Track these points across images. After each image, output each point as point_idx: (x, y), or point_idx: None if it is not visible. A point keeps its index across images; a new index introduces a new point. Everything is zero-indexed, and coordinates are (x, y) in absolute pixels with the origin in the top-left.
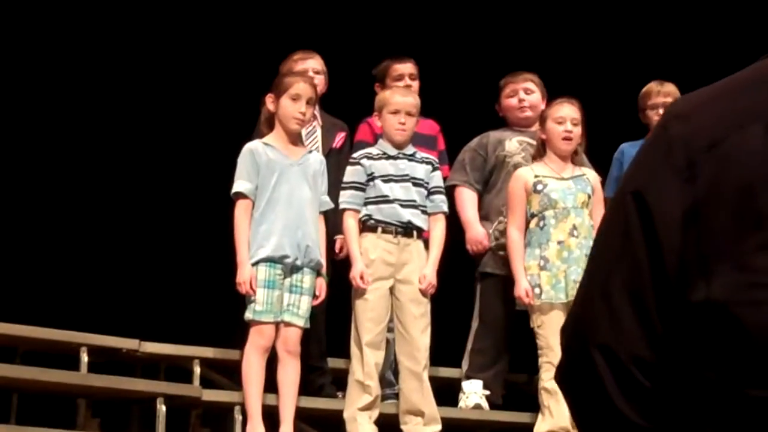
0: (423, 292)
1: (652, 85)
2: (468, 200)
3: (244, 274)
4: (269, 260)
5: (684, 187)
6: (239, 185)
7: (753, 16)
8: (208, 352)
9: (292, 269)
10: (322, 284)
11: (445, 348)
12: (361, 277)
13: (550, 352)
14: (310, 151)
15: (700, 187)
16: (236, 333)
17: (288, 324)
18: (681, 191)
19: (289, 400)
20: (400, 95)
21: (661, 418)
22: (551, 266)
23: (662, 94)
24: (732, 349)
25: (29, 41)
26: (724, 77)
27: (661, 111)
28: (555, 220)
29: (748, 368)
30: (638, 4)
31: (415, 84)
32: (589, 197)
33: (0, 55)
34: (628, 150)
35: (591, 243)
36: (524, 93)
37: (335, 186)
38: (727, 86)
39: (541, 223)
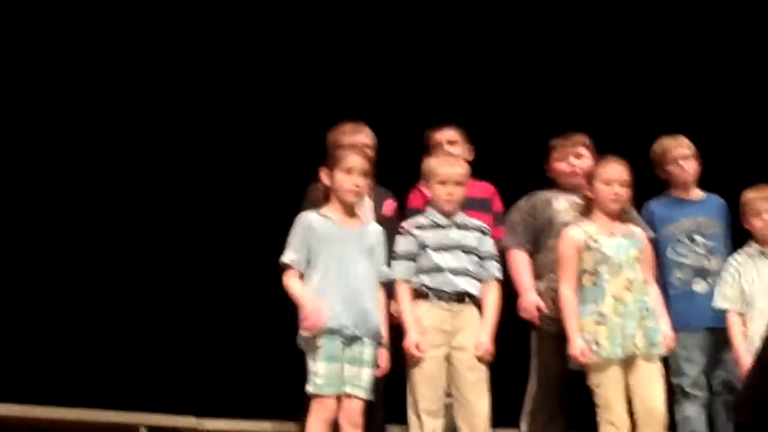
0: (479, 359)
1: (666, 141)
2: (521, 263)
3: (310, 307)
4: (329, 332)
5: None
6: (288, 255)
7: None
8: (268, 426)
9: (352, 340)
10: (384, 354)
11: (502, 410)
12: (417, 346)
13: (609, 410)
14: (369, 222)
15: None
16: (300, 406)
17: (350, 396)
18: None
19: None
20: (447, 165)
21: None
22: (608, 321)
23: (678, 147)
24: None
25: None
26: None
27: (680, 163)
28: (609, 275)
29: None
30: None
31: (457, 149)
32: (640, 252)
33: None
34: (656, 207)
35: (645, 297)
36: (575, 158)
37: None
38: None
39: (596, 279)
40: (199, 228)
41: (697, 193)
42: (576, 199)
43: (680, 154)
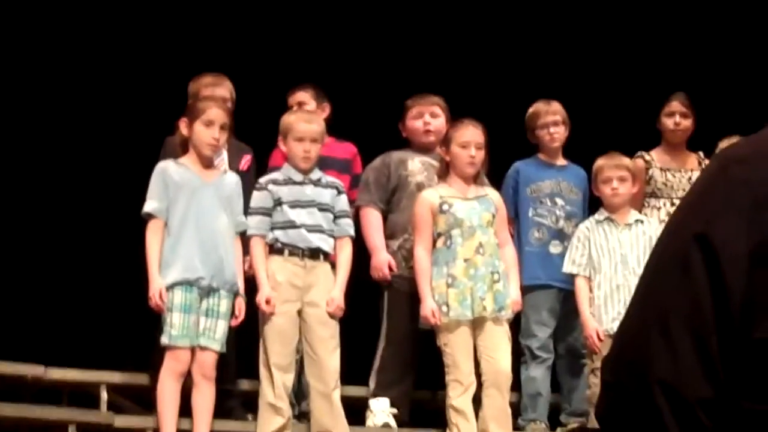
0: (331, 315)
1: (540, 105)
2: (374, 222)
3: (154, 288)
4: (184, 282)
5: (749, 227)
6: (149, 205)
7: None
8: (115, 376)
9: (209, 292)
10: (241, 305)
11: (352, 367)
12: (268, 302)
13: (456, 369)
14: (226, 172)
15: (767, 230)
16: (151, 356)
17: (204, 348)
18: (746, 232)
19: (203, 425)
20: (305, 122)
21: None
22: (458, 283)
23: (550, 113)
24: None
25: None
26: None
27: (551, 130)
28: (461, 238)
29: None
30: (533, 28)
31: (310, 107)
32: (493, 216)
33: None
34: (523, 168)
35: (496, 261)
36: (430, 116)
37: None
38: None
39: (448, 242)
40: (54, 178)
41: (561, 159)
42: (430, 159)
43: (551, 120)
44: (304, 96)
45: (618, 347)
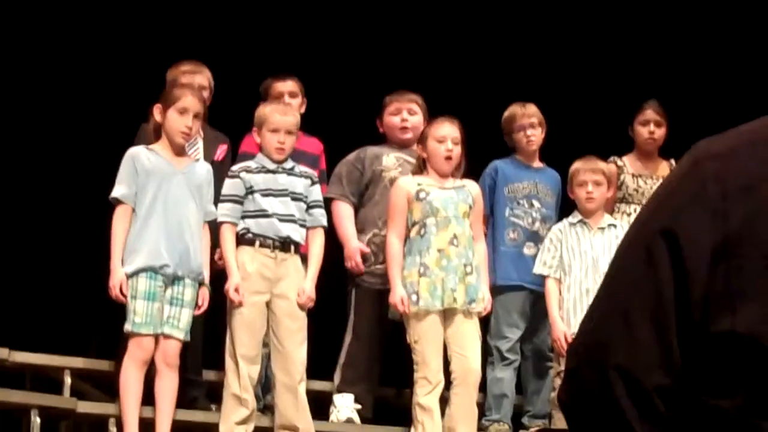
0: (301, 306)
1: (515, 108)
2: (345, 214)
3: (115, 279)
4: (149, 269)
5: (715, 222)
6: (117, 190)
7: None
8: (79, 362)
9: (174, 280)
10: (205, 294)
11: (318, 361)
12: (236, 290)
13: (425, 367)
14: (197, 160)
15: (733, 225)
16: (116, 343)
17: (168, 336)
18: (712, 226)
19: (166, 413)
20: (280, 113)
21: None
22: (430, 273)
23: (526, 115)
24: (752, 379)
25: None
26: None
27: (528, 132)
28: (436, 228)
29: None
30: (511, 30)
31: (296, 101)
32: (470, 208)
33: None
34: (501, 167)
35: (470, 253)
36: (408, 113)
37: (216, 198)
38: (760, 132)
39: (422, 231)
40: (24, 161)
41: (538, 162)
42: (406, 156)
43: (528, 122)
44: (293, 86)
45: (581, 336)
